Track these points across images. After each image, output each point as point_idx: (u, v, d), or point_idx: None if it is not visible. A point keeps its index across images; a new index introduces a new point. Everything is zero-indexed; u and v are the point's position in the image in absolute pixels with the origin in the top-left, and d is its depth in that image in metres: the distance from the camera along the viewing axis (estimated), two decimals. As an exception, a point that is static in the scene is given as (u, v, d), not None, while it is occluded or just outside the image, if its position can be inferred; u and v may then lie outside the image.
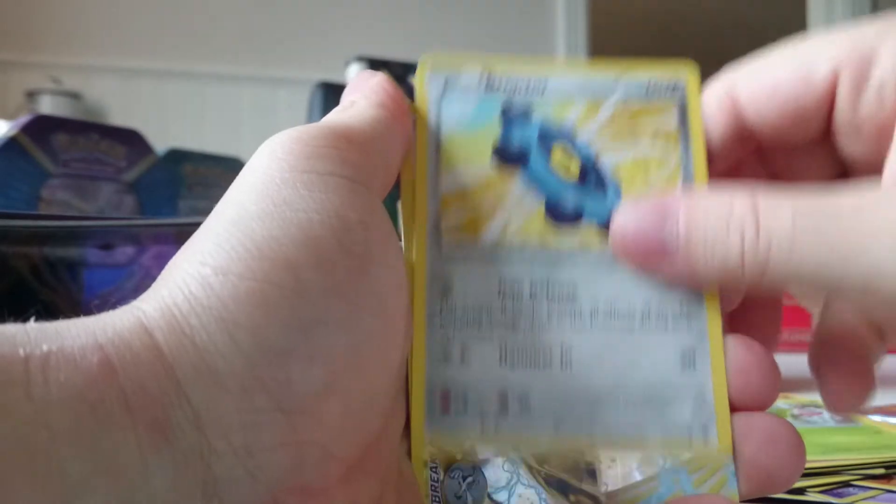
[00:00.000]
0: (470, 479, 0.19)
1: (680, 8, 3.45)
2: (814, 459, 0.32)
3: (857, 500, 0.29)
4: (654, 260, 0.19)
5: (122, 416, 0.12)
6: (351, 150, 0.18)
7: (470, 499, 0.19)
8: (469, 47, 2.17)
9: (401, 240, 0.20)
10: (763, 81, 0.21)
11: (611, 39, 3.25)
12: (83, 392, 0.12)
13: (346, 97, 0.20)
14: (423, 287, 0.19)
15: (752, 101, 0.21)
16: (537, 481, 0.19)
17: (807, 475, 0.31)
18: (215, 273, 0.15)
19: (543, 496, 0.19)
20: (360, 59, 1.10)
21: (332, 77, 1.26)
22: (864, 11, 2.44)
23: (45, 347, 0.13)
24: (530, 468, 0.19)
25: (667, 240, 0.19)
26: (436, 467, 0.19)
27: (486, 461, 0.19)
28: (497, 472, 0.19)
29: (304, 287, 0.15)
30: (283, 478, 0.14)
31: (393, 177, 0.19)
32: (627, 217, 0.19)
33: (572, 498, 0.19)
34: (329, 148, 0.17)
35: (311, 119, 1.19)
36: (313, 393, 0.15)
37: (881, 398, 0.27)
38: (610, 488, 0.19)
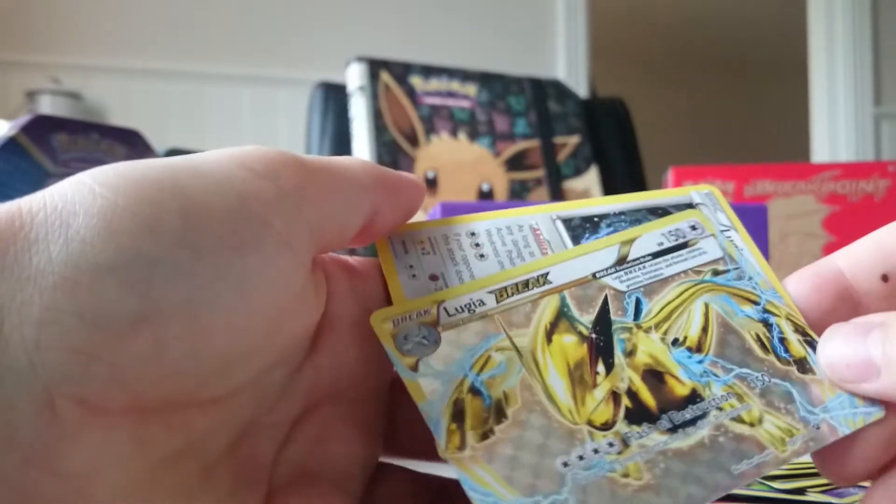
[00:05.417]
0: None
1: (680, 9, 3.45)
2: (814, 459, 0.32)
3: (857, 500, 0.29)
4: (860, 379, 0.19)
5: None
6: (299, 175, 0.18)
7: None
8: (469, 47, 2.17)
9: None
10: (862, 244, 0.21)
11: (612, 40, 3.25)
12: None
13: None
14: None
15: (854, 264, 0.21)
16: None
17: (807, 475, 0.31)
18: (88, 187, 0.16)
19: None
20: (360, 59, 1.10)
21: (332, 77, 1.25)
22: (864, 12, 2.44)
23: None
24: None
25: (871, 358, 0.19)
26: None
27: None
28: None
29: (159, 227, 0.15)
30: (63, 381, 0.14)
31: (346, 230, 0.19)
32: (832, 341, 0.20)
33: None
34: (277, 164, 0.18)
35: (310, 119, 1.18)
36: (121, 317, 0.15)
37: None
38: None
